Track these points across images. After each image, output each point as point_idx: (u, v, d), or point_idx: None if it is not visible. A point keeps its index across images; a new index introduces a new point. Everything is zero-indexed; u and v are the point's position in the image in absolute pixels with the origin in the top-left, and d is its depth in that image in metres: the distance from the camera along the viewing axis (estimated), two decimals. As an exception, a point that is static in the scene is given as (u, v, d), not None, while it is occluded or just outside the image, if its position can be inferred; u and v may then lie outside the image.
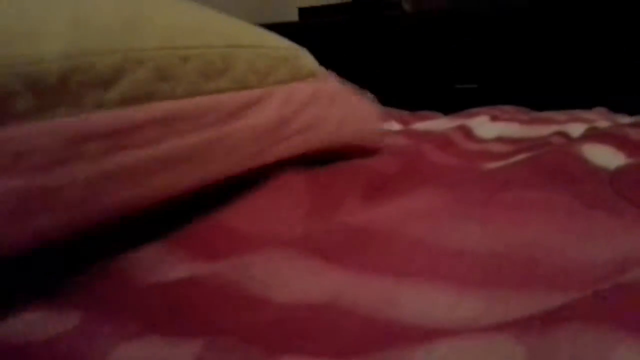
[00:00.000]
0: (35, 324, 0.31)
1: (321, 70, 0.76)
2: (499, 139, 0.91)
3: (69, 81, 0.41)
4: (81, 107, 0.42)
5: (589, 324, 0.25)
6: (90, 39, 0.44)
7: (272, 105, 0.59)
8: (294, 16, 2.38)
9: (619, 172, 0.55)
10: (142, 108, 0.45)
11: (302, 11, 2.36)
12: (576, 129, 0.88)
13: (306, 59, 0.72)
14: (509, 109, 1.21)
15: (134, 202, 0.42)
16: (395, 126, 1.07)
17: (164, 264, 0.40)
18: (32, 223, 0.35)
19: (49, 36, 0.42)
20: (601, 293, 0.28)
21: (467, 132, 0.94)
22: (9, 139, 0.36)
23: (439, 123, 1.08)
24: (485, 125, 1.02)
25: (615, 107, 1.17)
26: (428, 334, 0.29)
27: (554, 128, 0.92)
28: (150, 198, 0.43)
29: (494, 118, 1.08)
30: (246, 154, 0.53)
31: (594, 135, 0.73)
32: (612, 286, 0.29)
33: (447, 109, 1.28)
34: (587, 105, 1.19)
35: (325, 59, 0.83)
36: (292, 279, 0.37)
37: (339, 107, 0.70)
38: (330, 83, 0.75)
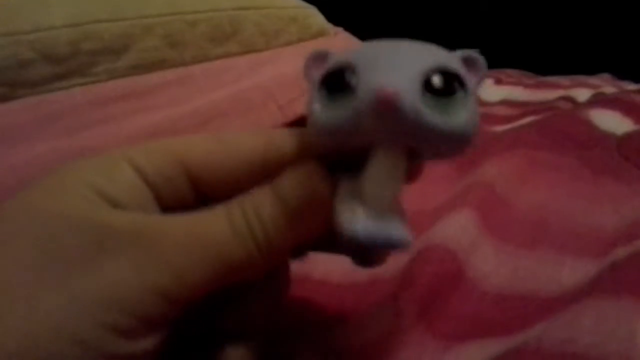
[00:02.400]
0: None
1: (331, 28, 0.75)
2: (504, 102, 0.90)
3: (79, 50, 0.41)
4: (94, 76, 0.42)
5: (610, 297, 0.26)
6: (97, 7, 0.44)
7: (285, 62, 0.58)
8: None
9: (627, 138, 0.56)
10: (154, 74, 0.45)
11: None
12: (582, 94, 0.88)
13: (315, 18, 0.71)
14: (513, 72, 1.21)
15: None
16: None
17: None
18: None
19: (55, 5, 0.42)
20: (619, 264, 0.29)
21: (472, 95, 0.94)
22: (33, 105, 0.36)
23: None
24: (490, 89, 1.01)
25: (619, 74, 1.16)
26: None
27: (559, 92, 0.91)
28: None
29: (498, 81, 1.07)
30: (265, 112, 0.51)
31: (601, 100, 0.73)
32: (629, 256, 0.29)
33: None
34: (591, 71, 1.18)
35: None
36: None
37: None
38: (342, 39, 0.74)
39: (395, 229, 0.18)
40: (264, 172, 0.21)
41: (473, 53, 0.20)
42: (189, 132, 0.43)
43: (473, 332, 0.28)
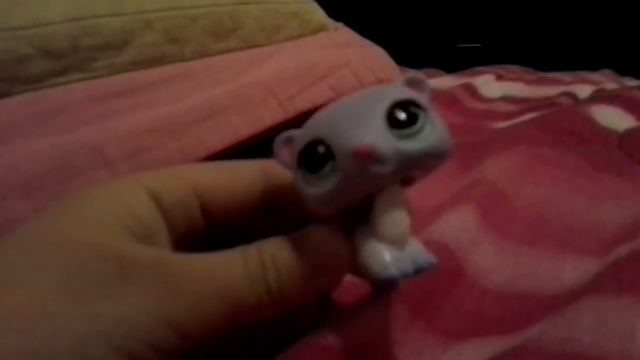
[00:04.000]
0: None
1: (332, 23, 0.74)
2: (505, 98, 0.90)
3: (78, 45, 0.41)
4: (93, 71, 0.41)
5: (611, 296, 0.25)
6: (96, 2, 0.44)
7: (285, 57, 0.58)
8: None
9: (628, 134, 0.55)
10: (153, 70, 0.45)
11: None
12: (583, 90, 0.87)
13: (316, 13, 0.71)
14: (514, 68, 1.20)
15: (186, 155, 0.42)
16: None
17: None
18: (78, 182, 0.35)
19: (54, 0, 0.41)
20: (620, 263, 0.29)
21: (473, 91, 0.94)
22: (32, 101, 0.36)
23: (443, 81, 1.08)
24: (491, 84, 1.01)
25: (621, 70, 1.16)
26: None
27: (560, 88, 0.91)
28: (199, 151, 0.43)
29: (499, 77, 1.07)
30: (266, 108, 0.50)
31: (602, 96, 0.72)
32: (630, 254, 0.29)
33: (449, 69, 1.27)
34: (592, 67, 1.18)
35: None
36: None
37: (357, 52, 0.68)
38: (343, 34, 0.74)
39: (419, 255, 0.19)
40: (263, 198, 0.23)
41: (415, 74, 0.21)
42: (189, 128, 0.43)
43: (473, 330, 0.28)
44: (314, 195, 0.19)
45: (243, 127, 0.47)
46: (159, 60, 0.47)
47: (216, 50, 0.53)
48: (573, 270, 0.33)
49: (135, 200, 0.21)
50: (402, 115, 0.18)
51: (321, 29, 0.71)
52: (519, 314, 0.29)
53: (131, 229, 0.20)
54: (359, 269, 0.20)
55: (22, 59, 0.38)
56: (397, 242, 0.19)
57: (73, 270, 0.17)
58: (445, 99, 0.84)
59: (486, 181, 0.43)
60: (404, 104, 0.18)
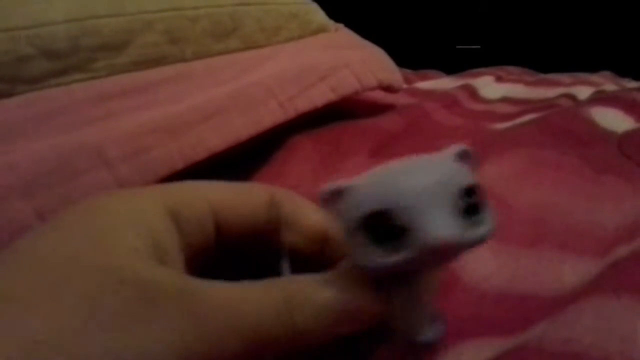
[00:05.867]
0: None
1: (332, 24, 0.75)
2: (505, 100, 0.90)
3: (78, 45, 0.41)
4: (94, 72, 0.42)
5: (611, 296, 0.25)
6: (97, 2, 0.44)
7: (285, 58, 0.58)
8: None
9: (628, 135, 0.56)
10: (154, 70, 0.45)
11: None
12: (583, 92, 0.88)
13: (316, 14, 0.71)
14: (514, 70, 1.21)
15: (186, 156, 0.42)
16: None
17: None
18: (79, 182, 0.35)
19: (55, 0, 0.41)
20: (620, 263, 0.29)
21: (472, 92, 0.94)
22: (32, 101, 0.36)
23: (443, 82, 1.08)
24: (490, 86, 1.01)
25: (620, 71, 1.16)
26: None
27: (560, 90, 0.91)
28: (199, 151, 0.43)
29: (499, 79, 1.07)
30: (266, 108, 0.50)
31: (602, 98, 0.73)
32: (630, 254, 0.29)
33: (449, 70, 1.27)
34: (592, 68, 1.18)
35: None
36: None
37: (357, 53, 0.68)
38: (343, 35, 0.74)
39: (439, 328, 0.22)
40: (268, 222, 0.23)
41: (464, 149, 0.21)
42: (190, 128, 0.43)
43: (474, 332, 0.28)
44: (370, 262, 0.19)
45: (243, 127, 0.47)
46: (159, 61, 0.47)
47: (216, 50, 0.53)
48: (573, 271, 0.33)
49: (155, 218, 0.20)
50: (471, 204, 0.19)
51: (321, 30, 0.71)
52: (520, 315, 0.29)
53: (150, 249, 0.19)
54: (389, 324, 0.20)
55: (23, 59, 0.38)
56: (429, 315, 0.21)
57: (93, 297, 0.16)
58: (446, 101, 0.84)
59: (485, 183, 0.43)
60: (470, 191, 0.19)
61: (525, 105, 0.83)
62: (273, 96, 0.51)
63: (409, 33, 1.90)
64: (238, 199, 0.23)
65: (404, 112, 0.70)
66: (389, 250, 0.18)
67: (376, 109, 0.73)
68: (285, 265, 0.24)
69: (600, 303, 0.25)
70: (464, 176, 0.19)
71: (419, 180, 0.19)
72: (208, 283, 0.19)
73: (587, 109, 0.64)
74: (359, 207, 0.19)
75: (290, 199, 0.24)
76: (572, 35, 1.70)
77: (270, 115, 0.50)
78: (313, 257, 0.24)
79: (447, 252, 0.18)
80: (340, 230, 0.20)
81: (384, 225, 0.18)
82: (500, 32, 1.79)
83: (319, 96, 0.56)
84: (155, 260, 0.19)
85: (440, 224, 0.17)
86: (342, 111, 0.65)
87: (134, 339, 0.16)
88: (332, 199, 0.20)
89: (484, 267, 0.34)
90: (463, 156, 0.21)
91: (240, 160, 0.48)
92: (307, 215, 0.24)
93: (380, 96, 0.80)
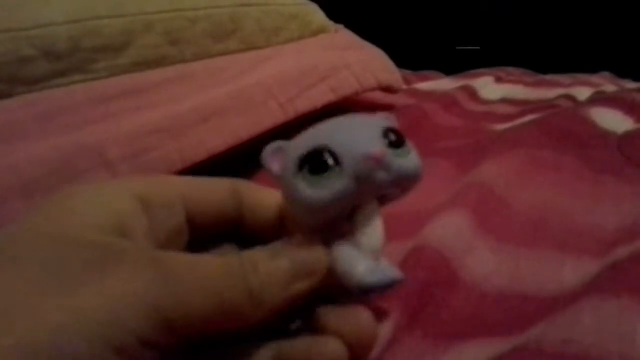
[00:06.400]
0: None
1: (332, 25, 0.75)
2: (504, 101, 0.90)
3: (80, 46, 0.41)
4: (94, 72, 0.42)
5: (611, 297, 0.26)
6: (97, 3, 0.44)
7: (285, 59, 0.58)
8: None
9: (628, 136, 0.56)
10: (154, 72, 0.45)
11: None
12: (583, 93, 0.87)
13: (316, 15, 0.71)
14: (513, 71, 1.20)
15: (186, 157, 0.42)
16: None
17: None
18: (79, 183, 0.35)
19: (56, 1, 0.42)
20: (620, 264, 0.29)
21: (472, 93, 0.94)
22: (32, 102, 0.36)
23: (442, 83, 1.08)
24: (490, 87, 1.01)
25: (620, 72, 1.16)
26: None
27: (560, 91, 0.91)
28: (200, 152, 0.43)
29: (499, 79, 1.07)
30: (266, 110, 0.51)
31: (601, 99, 0.73)
32: (630, 255, 0.29)
33: (448, 71, 1.27)
34: (591, 69, 1.18)
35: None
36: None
37: (357, 54, 0.68)
38: (343, 36, 0.74)
39: (392, 269, 0.22)
40: (234, 213, 0.25)
41: (386, 114, 0.25)
42: (190, 129, 0.43)
43: (474, 332, 0.28)
44: (317, 197, 0.20)
45: (243, 128, 0.47)
46: (160, 62, 0.47)
47: (216, 51, 0.54)
48: (573, 271, 0.33)
49: (122, 201, 0.21)
50: (395, 138, 0.21)
51: (321, 30, 0.71)
52: (520, 316, 0.29)
53: (114, 227, 0.19)
54: (336, 279, 0.21)
55: (23, 60, 0.38)
56: (375, 254, 0.21)
57: (52, 262, 0.17)
58: (445, 101, 0.84)
59: (484, 184, 0.43)
60: (393, 130, 0.22)
61: (525, 106, 0.83)
62: (273, 97, 0.51)
63: (409, 34, 1.90)
64: (206, 188, 0.25)
65: (404, 113, 0.70)
66: (327, 186, 0.20)
67: (376, 109, 0.73)
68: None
69: (600, 303, 0.25)
70: (387, 122, 0.22)
71: (347, 122, 0.22)
72: (171, 252, 0.20)
73: (587, 110, 0.64)
74: (297, 151, 0.21)
75: (249, 187, 0.26)
76: (572, 37, 1.70)
77: (270, 116, 0.50)
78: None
79: (379, 173, 0.20)
80: (282, 186, 0.22)
81: (319, 161, 0.20)
82: (500, 33, 1.78)
83: (319, 97, 0.56)
84: (119, 236, 0.19)
85: (369, 144, 0.20)
86: (342, 112, 0.65)
87: (92, 296, 0.16)
88: (274, 158, 0.22)
89: (483, 267, 0.34)
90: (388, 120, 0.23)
91: (241, 162, 0.48)
92: (266, 198, 0.26)
93: (379, 97, 0.80)
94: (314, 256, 0.21)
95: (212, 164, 0.44)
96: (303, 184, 0.20)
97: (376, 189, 0.21)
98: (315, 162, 0.20)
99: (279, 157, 0.22)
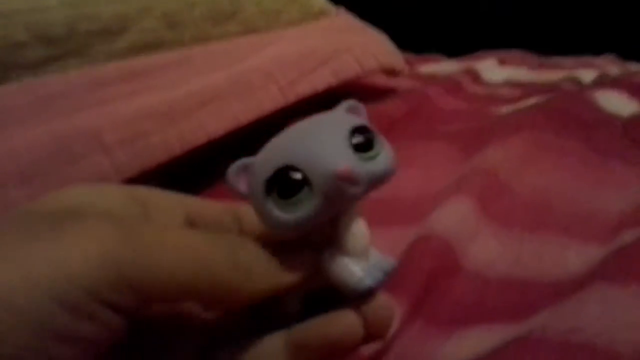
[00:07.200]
0: None
1: (332, 8, 0.74)
2: (508, 83, 0.89)
3: (76, 31, 0.40)
4: (91, 57, 0.41)
5: (617, 284, 0.25)
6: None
7: (285, 43, 0.57)
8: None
9: (633, 120, 0.55)
10: (152, 56, 0.44)
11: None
12: (587, 75, 0.86)
13: (317, -3, 0.70)
14: (517, 53, 1.19)
15: (185, 141, 0.41)
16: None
17: None
18: (76, 167, 0.35)
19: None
20: (626, 250, 0.28)
21: (475, 76, 0.93)
22: (28, 87, 0.36)
23: (445, 66, 1.07)
24: (493, 69, 1.00)
25: (624, 54, 1.15)
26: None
27: (564, 73, 0.90)
28: (199, 136, 0.42)
29: (502, 62, 1.06)
30: (266, 93, 0.50)
31: (606, 81, 0.72)
32: (636, 241, 0.29)
33: (450, 54, 1.25)
34: (595, 51, 1.16)
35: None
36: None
37: (358, 36, 0.67)
38: (344, 19, 0.73)
39: (383, 262, 0.21)
40: (233, 226, 0.24)
41: (352, 102, 0.23)
42: (188, 114, 0.42)
43: (478, 318, 0.28)
44: (288, 220, 0.19)
45: (243, 112, 0.46)
46: (158, 46, 0.46)
47: (215, 35, 0.53)
48: (577, 256, 0.32)
49: (118, 199, 0.20)
50: (361, 141, 0.20)
51: (322, 13, 0.70)
52: (524, 301, 0.29)
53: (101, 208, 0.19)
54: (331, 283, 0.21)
55: (19, 44, 0.37)
56: (363, 254, 0.21)
57: (13, 225, 0.16)
58: (447, 85, 0.83)
59: (488, 169, 0.43)
60: (359, 130, 0.20)
61: (529, 88, 0.82)
62: (273, 81, 0.51)
63: (411, 16, 1.88)
64: (204, 201, 0.24)
65: (406, 96, 0.69)
66: (298, 208, 0.19)
67: (378, 93, 0.72)
68: None
69: (605, 291, 0.25)
70: (352, 120, 0.21)
71: (309, 131, 0.21)
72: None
73: (591, 93, 0.63)
74: (263, 171, 0.20)
75: (249, 212, 0.25)
76: (576, 19, 1.68)
77: (270, 100, 0.49)
78: None
79: (350, 188, 0.19)
80: (253, 205, 0.21)
81: (287, 183, 0.19)
82: (503, 15, 1.77)
83: (320, 80, 0.55)
84: None
85: (337, 157, 0.19)
86: (344, 96, 0.64)
87: (44, 251, 0.16)
88: (239, 178, 0.21)
89: (487, 254, 0.33)
90: (352, 109, 0.23)
91: (241, 146, 0.48)
92: None
93: (382, 80, 0.79)
94: (300, 258, 0.21)
95: (211, 150, 0.44)
96: (273, 207, 0.20)
97: (349, 201, 0.20)
98: (283, 185, 0.19)
99: (245, 177, 0.21)
